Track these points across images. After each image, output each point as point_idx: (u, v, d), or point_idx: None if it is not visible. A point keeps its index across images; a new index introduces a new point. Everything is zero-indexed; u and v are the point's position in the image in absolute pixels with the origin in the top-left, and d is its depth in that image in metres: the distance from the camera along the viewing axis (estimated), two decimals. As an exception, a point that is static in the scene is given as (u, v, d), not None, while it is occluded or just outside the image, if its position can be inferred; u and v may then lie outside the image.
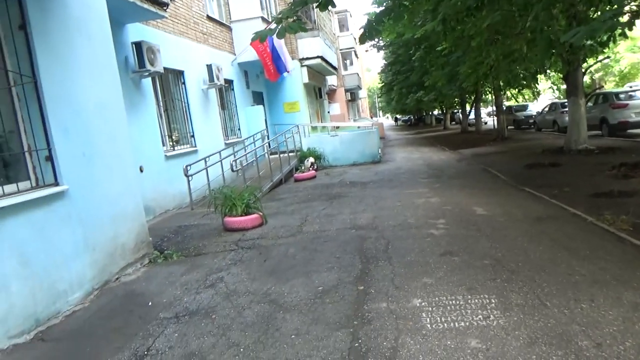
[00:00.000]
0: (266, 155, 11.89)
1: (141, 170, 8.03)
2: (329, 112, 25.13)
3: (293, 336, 3.25)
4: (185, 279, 4.71)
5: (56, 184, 4.23)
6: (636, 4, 7.66)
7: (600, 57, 14.02)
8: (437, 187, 8.70)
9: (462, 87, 18.39)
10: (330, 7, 6.07)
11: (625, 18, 7.03)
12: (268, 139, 14.48)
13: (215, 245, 5.91)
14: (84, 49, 4.74)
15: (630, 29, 6.13)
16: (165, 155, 9.01)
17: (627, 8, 7.60)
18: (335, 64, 22.61)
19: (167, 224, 7.48)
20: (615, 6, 6.06)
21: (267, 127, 15.42)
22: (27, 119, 4.12)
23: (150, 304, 4.10)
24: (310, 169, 12.53)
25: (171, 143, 9.67)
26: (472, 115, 28.11)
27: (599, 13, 8.48)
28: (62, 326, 3.82)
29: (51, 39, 4.28)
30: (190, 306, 3.98)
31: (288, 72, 14.53)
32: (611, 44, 9.49)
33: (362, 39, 7.24)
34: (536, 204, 6.34)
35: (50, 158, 4.22)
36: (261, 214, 6.87)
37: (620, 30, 7.88)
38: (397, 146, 22.34)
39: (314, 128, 19.18)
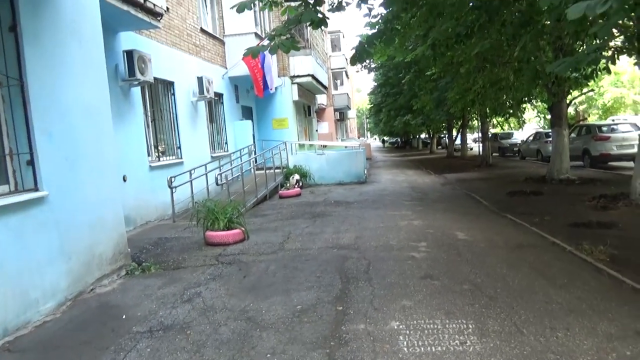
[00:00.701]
0: (252, 170, 11.63)
1: (124, 180, 7.93)
2: (317, 130, 25.18)
3: (269, 355, 3.23)
4: (162, 293, 4.65)
5: (36, 189, 4.17)
6: (620, 40, 7.99)
7: (585, 90, 14.36)
8: (421, 210, 8.75)
9: (450, 112, 18.72)
10: (323, 27, 6.14)
11: (609, 53, 7.34)
12: (255, 154, 14.43)
13: (195, 259, 5.87)
14: (75, 52, 4.69)
15: (614, 64, 6.31)
16: (150, 166, 8.94)
17: (611, 44, 7.92)
18: (325, 83, 22.77)
19: (148, 236, 7.41)
20: (600, 41, 6.32)
21: (254, 142, 15.32)
22: (10, 121, 4.06)
23: (124, 317, 4.05)
24: (296, 186, 12.55)
25: (157, 154, 9.58)
26: (458, 141, 28.72)
27: (584, 47, 8.76)
28: (31, 337, 3.74)
29: (42, 41, 4.23)
30: (165, 321, 3.93)
31: (272, 90, 14.67)
32: (595, 78, 9.72)
33: (353, 61, 7.29)
34: (517, 231, 6.41)
35: (31, 162, 4.16)
36: (243, 229, 6.83)
37: (604, 65, 8.17)
38: (383, 167, 22.46)
39: (302, 146, 19.10)
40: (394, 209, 9.05)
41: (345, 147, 18.59)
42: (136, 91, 8.69)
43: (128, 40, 8.27)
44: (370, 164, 25.34)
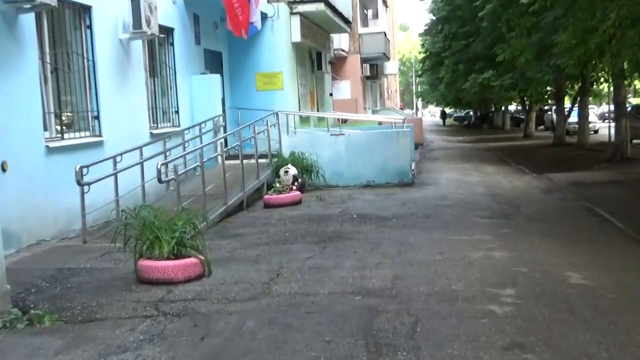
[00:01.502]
0: (220, 159, 12.08)
1: (3, 169, 8.06)
2: (331, 94, 25.21)
3: None
4: (62, 362, 4.71)
5: None
6: None
7: None
8: (507, 233, 8.96)
9: (560, 68, 18.57)
10: None
11: None
12: (225, 132, 14.51)
13: (121, 306, 5.97)
14: None
15: None
16: (47, 147, 9.05)
17: None
18: (348, 14, 22.66)
19: (41, 264, 7.50)
20: None
21: (224, 112, 15.57)
22: None
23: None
24: (293, 187, 12.84)
25: (59, 127, 9.67)
26: (573, 117, 28.46)
27: None
28: None
29: None
30: None
31: (254, 23, 14.83)
32: None
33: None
34: (672, 274, 6.64)
35: None
36: (202, 258, 6.92)
37: None
38: (443, 160, 22.42)
39: (304, 119, 19.08)
40: (460, 230, 9.26)
41: (380, 123, 18.67)
42: (27, 20, 8.66)
43: None
44: (422, 152, 25.24)
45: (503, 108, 48.72)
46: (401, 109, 58.51)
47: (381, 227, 9.73)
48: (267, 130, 13.76)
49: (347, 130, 15.61)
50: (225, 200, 10.89)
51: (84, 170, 8.63)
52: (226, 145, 13.48)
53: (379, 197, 12.98)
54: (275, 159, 13.98)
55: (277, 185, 12.74)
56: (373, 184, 14.52)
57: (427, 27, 40.49)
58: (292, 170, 13.11)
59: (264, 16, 16.32)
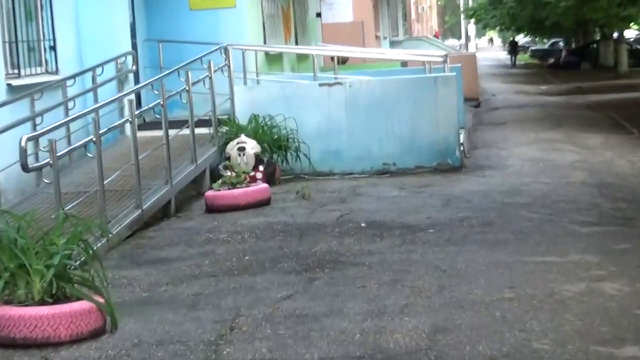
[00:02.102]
0: (128, 129, 12.10)
1: None
2: (319, 14, 25.52)
3: None
4: None
5: None
6: None
7: None
8: (624, 250, 8.99)
9: None
10: None
11: None
12: (137, 82, 14.61)
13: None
14: None
15: None
16: None
17: None
18: None
19: None
20: None
21: (135, 48, 15.77)
22: None
23: None
24: (256, 176, 12.86)
25: None
26: None
27: None
28: None
29: None
30: None
31: None
32: None
33: None
34: None
35: None
36: (101, 301, 6.80)
37: None
38: (512, 126, 22.68)
39: (275, 59, 19.31)
40: (544, 247, 9.30)
41: (404, 64, 18.89)
42: None
43: None
44: (477, 114, 25.66)
45: (616, 35, 48.72)
46: (436, 37, 58.40)
47: (409, 243, 9.64)
48: (210, 79, 13.88)
49: (348, 77, 15.49)
50: (139, 200, 10.93)
51: None
52: (139, 105, 13.41)
53: (404, 191, 12.96)
54: (224, 128, 14.05)
55: (228, 173, 12.67)
56: (393, 170, 14.63)
57: None
58: (252, 147, 13.25)
59: None
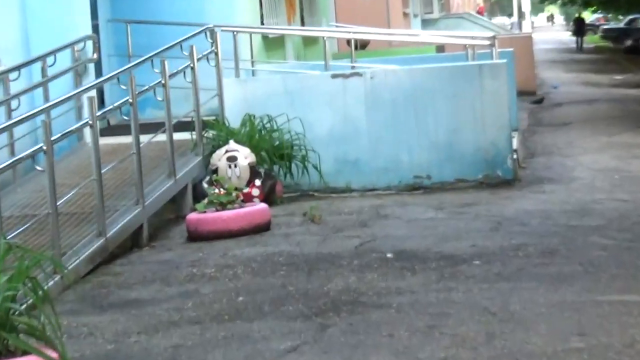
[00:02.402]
0: (88, 136, 11.81)
1: None
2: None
3: None
4: None
5: None
6: None
7: None
8: None
9: None
10: None
11: None
12: (100, 74, 14.64)
13: None
14: None
15: None
16: None
17: None
18: None
19: None
20: None
21: (97, 31, 15.77)
22: None
23: None
24: (252, 192, 13.03)
25: None
26: None
27: None
28: None
29: None
30: None
31: None
32: None
33: None
34: None
35: None
36: (56, 355, 6.78)
37: None
38: (579, 127, 22.83)
39: (274, 43, 19.39)
40: (624, 282, 9.16)
41: (440, 49, 19.02)
42: None
43: None
44: (533, 111, 25.88)
45: None
46: (480, 13, 58.39)
47: (448, 278, 9.48)
48: (193, 70, 13.93)
49: (369, 67, 15.51)
50: (102, 226, 10.92)
51: None
52: (102, 104, 13.38)
53: (441, 212, 13.01)
54: (210, 133, 13.92)
55: (215, 190, 12.66)
56: (428, 184, 14.71)
57: None
58: (246, 156, 13.27)
59: None
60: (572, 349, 7.11)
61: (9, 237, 8.48)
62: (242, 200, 12.49)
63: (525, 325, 7.84)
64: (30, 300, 6.89)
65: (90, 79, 13.72)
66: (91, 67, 14.45)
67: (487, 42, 16.13)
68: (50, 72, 13.42)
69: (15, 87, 13.08)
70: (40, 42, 13.91)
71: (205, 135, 13.98)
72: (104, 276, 10.43)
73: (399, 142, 14.65)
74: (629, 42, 59.67)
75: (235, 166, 12.87)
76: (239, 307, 8.97)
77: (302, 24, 21.20)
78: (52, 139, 10.45)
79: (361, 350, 7.46)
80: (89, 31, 14.68)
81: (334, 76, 15.06)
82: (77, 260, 10.12)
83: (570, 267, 9.74)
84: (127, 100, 12.16)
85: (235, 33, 15.51)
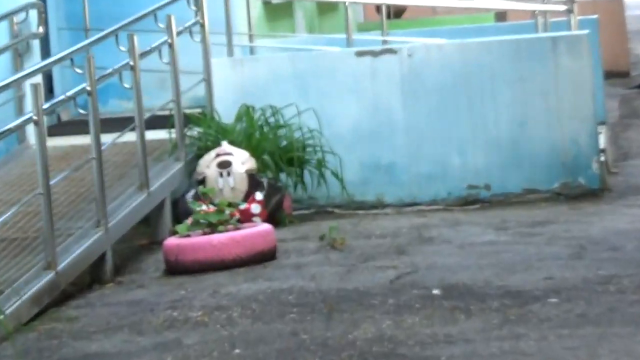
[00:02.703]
0: (32, 135, 11.66)
1: None
2: None
3: None
4: None
5: None
6: None
7: None
8: None
9: None
10: None
11: None
12: (47, 55, 14.53)
13: None
14: None
15: None
16: None
17: None
18: None
19: None
20: None
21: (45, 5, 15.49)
22: None
23: None
24: (252, 207, 12.83)
25: None
26: None
27: None
28: None
29: None
30: None
31: None
32: None
33: None
34: None
35: None
36: None
37: None
38: None
39: (277, 11, 19.58)
40: None
41: (500, 17, 19.03)
42: None
43: None
44: (625, 101, 26.28)
45: None
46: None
47: (515, 322, 8.88)
48: (171, 47, 13.81)
49: (406, 41, 15.44)
50: (51, 255, 10.70)
51: None
52: (51, 94, 13.32)
53: (504, 233, 12.65)
54: (195, 130, 13.80)
55: (202, 207, 12.44)
56: (486, 196, 14.60)
57: None
58: (243, 161, 12.95)
59: None
60: None
61: None
62: (239, 220, 12.17)
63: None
64: None
65: (34, 61, 13.58)
66: (36, 44, 14.31)
67: (564, 7, 15.97)
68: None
69: None
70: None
71: (189, 134, 13.83)
72: (54, 322, 10.14)
73: (447, 140, 14.50)
74: None
75: (229, 174, 12.63)
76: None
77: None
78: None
79: None
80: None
81: (360, 54, 14.85)
82: (19, 302, 9.79)
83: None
84: (84, 88, 11.94)
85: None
